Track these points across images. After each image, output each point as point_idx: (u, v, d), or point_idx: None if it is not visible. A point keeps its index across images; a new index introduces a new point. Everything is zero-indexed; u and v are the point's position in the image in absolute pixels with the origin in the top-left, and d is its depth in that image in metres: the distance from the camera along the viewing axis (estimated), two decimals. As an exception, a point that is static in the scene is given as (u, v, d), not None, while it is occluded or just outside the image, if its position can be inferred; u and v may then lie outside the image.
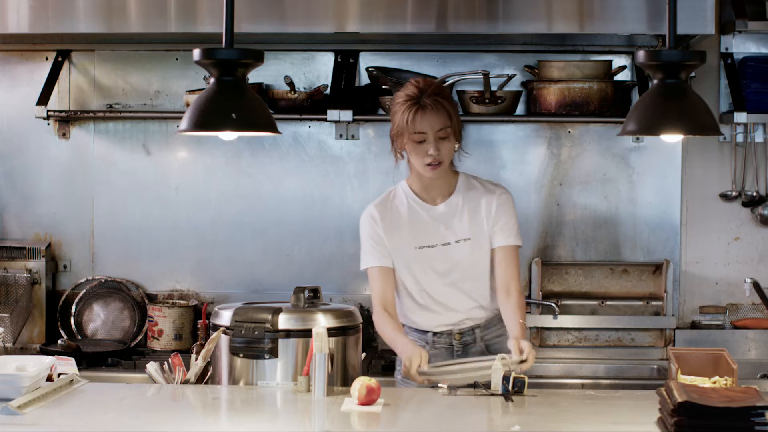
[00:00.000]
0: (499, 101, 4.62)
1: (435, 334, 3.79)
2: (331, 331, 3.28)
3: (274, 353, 3.33)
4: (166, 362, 3.45)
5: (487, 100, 4.60)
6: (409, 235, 3.74)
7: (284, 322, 3.35)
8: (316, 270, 4.94)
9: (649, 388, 3.30)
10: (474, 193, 3.77)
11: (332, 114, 4.61)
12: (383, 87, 4.72)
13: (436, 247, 3.73)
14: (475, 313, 3.78)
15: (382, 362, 4.54)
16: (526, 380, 3.25)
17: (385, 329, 3.68)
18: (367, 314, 4.87)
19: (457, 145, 3.71)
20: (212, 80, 3.14)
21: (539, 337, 4.85)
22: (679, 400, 2.74)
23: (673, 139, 3.59)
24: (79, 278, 5.00)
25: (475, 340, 3.79)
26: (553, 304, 4.72)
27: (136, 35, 4.63)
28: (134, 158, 4.99)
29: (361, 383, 3.11)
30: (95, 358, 4.58)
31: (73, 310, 4.95)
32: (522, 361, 3.38)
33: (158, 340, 4.82)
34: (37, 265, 4.92)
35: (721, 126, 4.70)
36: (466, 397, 3.23)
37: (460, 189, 3.77)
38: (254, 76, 4.67)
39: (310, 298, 3.48)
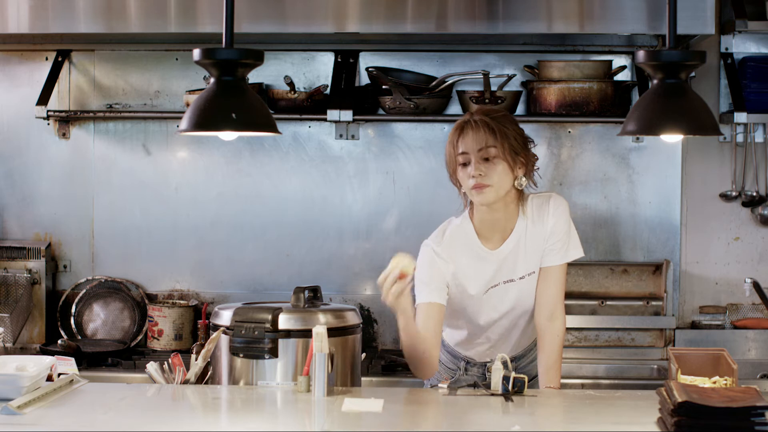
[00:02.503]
0: (499, 101, 4.62)
1: (468, 362, 3.68)
2: (331, 331, 3.28)
3: (274, 353, 3.33)
4: (166, 362, 3.45)
5: (487, 100, 4.60)
6: (472, 282, 3.52)
7: (284, 322, 3.35)
8: (316, 270, 4.94)
9: (649, 388, 3.30)
10: (532, 223, 3.51)
11: (332, 114, 4.61)
12: (383, 87, 4.72)
13: (498, 285, 3.54)
14: (520, 346, 3.66)
15: (382, 362, 4.54)
16: (526, 380, 3.25)
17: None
18: (366, 314, 4.88)
19: (522, 181, 3.46)
20: (212, 80, 3.14)
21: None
22: (679, 400, 2.74)
23: (673, 139, 3.58)
24: (79, 278, 5.00)
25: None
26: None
27: (136, 35, 4.63)
28: (134, 158, 4.99)
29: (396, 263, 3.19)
30: (95, 358, 4.58)
31: (73, 310, 4.95)
32: None
33: (158, 340, 4.82)
34: (37, 265, 4.92)
35: (721, 126, 4.70)
36: (466, 397, 3.23)
37: (520, 224, 3.52)
38: (254, 76, 4.67)
39: (310, 298, 3.48)
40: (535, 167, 3.53)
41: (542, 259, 3.54)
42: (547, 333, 3.52)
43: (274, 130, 3.19)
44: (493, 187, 3.41)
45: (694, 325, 4.87)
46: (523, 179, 3.47)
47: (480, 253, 3.53)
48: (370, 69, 4.76)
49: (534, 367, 3.62)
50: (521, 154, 3.44)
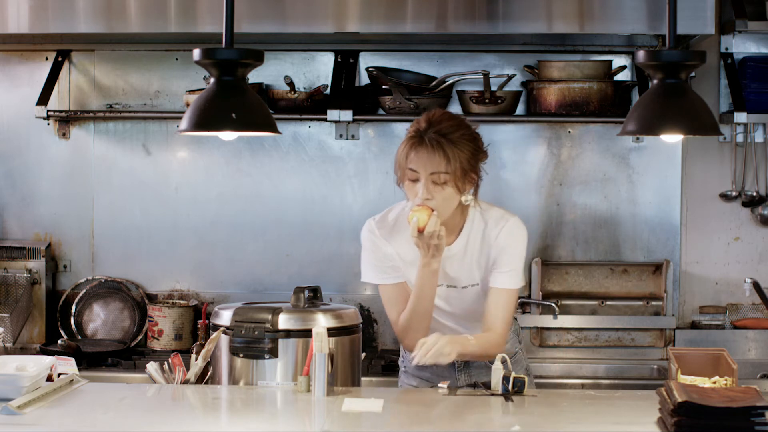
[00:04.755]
0: (499, 101, 4.62)
1: None
2: (331, 331, 3.28)
3: (274, 353, 3.33)
4: (166, 362, 3.45)
5: (487, 100, 4.60)
6: (412, 270, 3.48)
7: (284, 322, 3.35)
8: (316, 270, 4.94)
9: (649, 388, 3.30)
10: (483, 233, 3.48)
11: (332, 114, 4.62)
12: (383, 87, 4.72)
13: (441, 287, 3.50)
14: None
15: (382, 362, 4.54)
16: (526, 380, 3.25)
17: (406, 313, 3.47)
18: (366, 314, 4.88)
19: (468, 198, 3.41)
20: (212, 80, 3.15)
21: (539, 337, 4.85)
22: (679, 400, 2.74)
23: (673, 139, 3.58)
24: (79, 278, 5.00)
25: None
26: (553, 304, 4.72)
27: (136, 35, 4.64)
28: (134, 158, 4.99)
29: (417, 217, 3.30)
30: (95, 358, 4.58)
31: (73, 310, 4.95)
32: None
33: (158, 340, 4.82)
34: (37, 265, 4.92)
35: (721, 126, 4.70)
36: (466, 397, 3.23)
37: (467, 228, 3.49)
38: (254, 76, 4.67)
39: (310, 298, 3.48)
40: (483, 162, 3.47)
41: (492, 278, 3.48)
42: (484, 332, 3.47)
43: (274, 130, 3.19)
44: (439, 211, 3.36)
45: (694, 325, 4.87)
46: (470, 195, 3.43)
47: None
48: (370, 69, 4.76)
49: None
50: (471, 173, 3.39)
